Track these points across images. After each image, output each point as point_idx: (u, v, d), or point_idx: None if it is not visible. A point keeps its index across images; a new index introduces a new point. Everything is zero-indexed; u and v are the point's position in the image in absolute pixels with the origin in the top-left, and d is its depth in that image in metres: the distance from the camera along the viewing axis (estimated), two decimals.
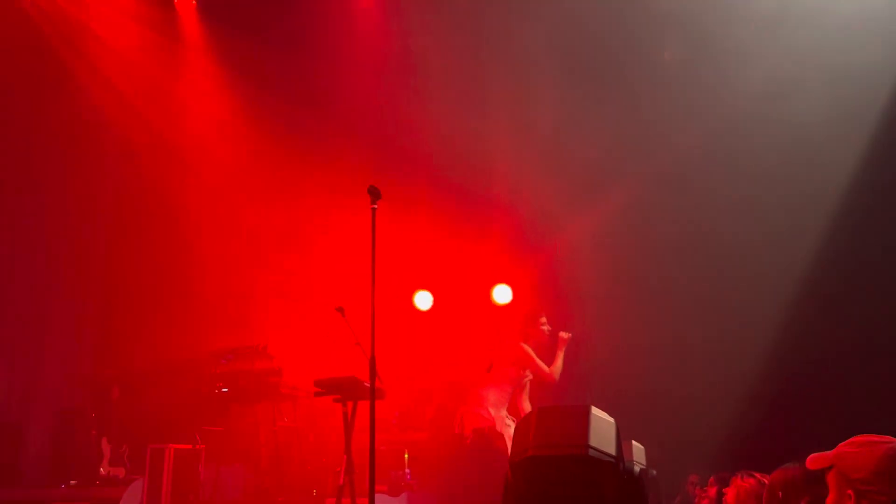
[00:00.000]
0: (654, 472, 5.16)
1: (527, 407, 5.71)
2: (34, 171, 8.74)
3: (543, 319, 5.73)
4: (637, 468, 2.81)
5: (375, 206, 4.44)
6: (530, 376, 5.67)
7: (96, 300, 8.94)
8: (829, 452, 2.33)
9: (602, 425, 2.70)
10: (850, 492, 2.21)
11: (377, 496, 4.23)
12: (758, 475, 3.65)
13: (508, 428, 5.27)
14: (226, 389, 6.49)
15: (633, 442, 4.17)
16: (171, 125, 8.66)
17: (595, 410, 2.75)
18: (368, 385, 4.40)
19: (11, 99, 8.34)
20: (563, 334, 5.70)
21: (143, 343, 8.02)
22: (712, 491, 5.25)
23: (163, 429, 6.73)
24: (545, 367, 5.50)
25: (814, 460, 2.37)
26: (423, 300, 8.41)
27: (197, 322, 7.82)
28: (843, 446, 2.31)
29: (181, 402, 6.95)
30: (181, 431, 6.50)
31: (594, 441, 2.62)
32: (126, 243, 8.70)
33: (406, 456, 6.85)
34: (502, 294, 8.27)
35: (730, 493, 4.19)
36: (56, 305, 8.74)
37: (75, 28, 8.44)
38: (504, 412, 5.46)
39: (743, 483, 3.70)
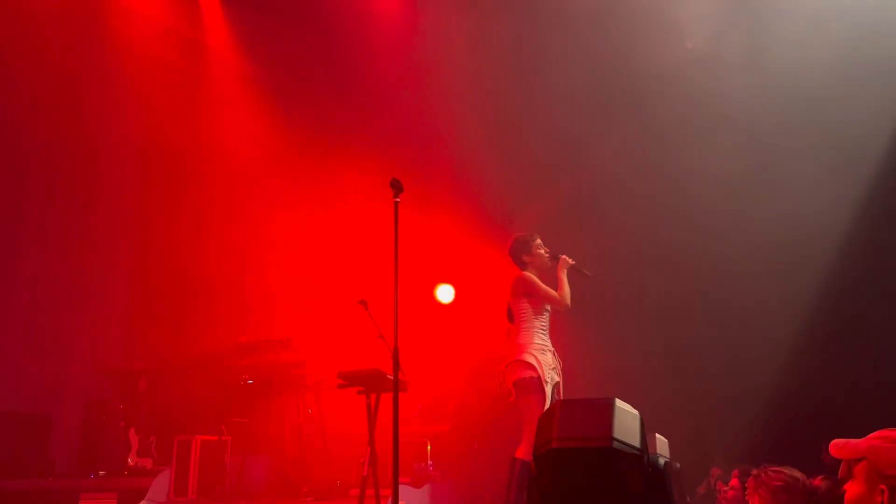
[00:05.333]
0: (679, 464, 5.15)
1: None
2: (61, 169, 8.88)
3: (538, 242, 5.32)
4: (662, 461, 2.79)
5: (398, 200, 4.45)
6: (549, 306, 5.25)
7: (124, 295, 9.08)
8: (857, 442, 2.31)
9: (626, 417, 2.68)
10: (882, 487, 2.20)
11: (400, 487, 4.26)
12: (786, 471, 3.62)
13: (547, 354, 5.02)
14: (251, 381, 6.57)
15: (657, 435, 4.16)
16: (195, 120, 8.74)
17: (619, 403, 2.73)
18: (391, 377, 4.43)
19: (40, 97, 8.48)
20: (565, 257, 5.32)
21: (170, 336, 8.13)
22: (734, 483, 5.23)
23: (189, 420, 6.81)
24: (552, 292, 5.10)
25: (840, 448, 2.34)
26: (446, 293, 8.43)
27: (222, 315, 7.91)
28: (874, 439, 2.28)
29: (207, 394, 7.03)
30: (207, 423, 6.58)
31: (618, 433, 2.61)
32: (152, 238, 8.80)
33: (429, 448, 6.88)
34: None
35: (752, 487, 4.16)
36: (84, 301, 8.89)
37: (99, 25, 8.55)
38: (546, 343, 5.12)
39: (766, 478, 3.67)
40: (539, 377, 4.85)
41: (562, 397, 5.01)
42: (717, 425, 6.89)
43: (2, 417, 7.56)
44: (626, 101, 7.59)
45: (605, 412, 2.68)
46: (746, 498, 4.74)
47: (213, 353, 7.15)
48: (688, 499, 6.14)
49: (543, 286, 5.12)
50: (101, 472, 6.87)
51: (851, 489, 2.30)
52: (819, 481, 3.86)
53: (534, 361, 4.89)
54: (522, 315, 5.09)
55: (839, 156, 6.91)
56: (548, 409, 2.77)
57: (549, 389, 4.89)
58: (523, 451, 4.78)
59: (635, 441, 2.65)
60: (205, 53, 8.94)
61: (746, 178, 7.21)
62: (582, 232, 7.19)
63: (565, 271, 5.25)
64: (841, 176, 6.92)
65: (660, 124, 7.49)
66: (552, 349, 5.11)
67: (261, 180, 8.54)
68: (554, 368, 5.02)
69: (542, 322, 5.14)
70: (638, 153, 7.57)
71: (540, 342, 5.04)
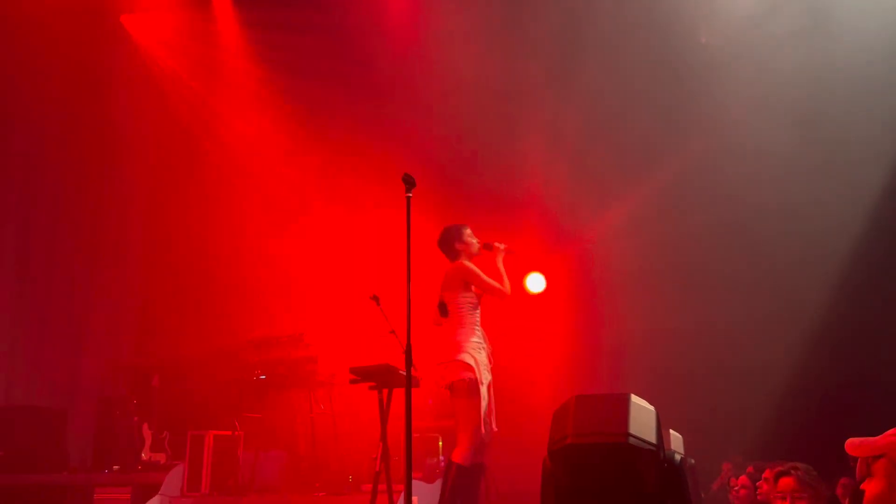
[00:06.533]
0: (693, 460, 5.12)
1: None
2: (74, 166, 8.94)
3: (468, 232, 5.16)
4: (677, 457, 2.78)
5: (410, 195, 4.43)
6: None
7: (136, 292, 9.14)
8: (874, 440, 2.29)
9: (642, 413, 2.67)
10: None
11: (413, 483, 4.26)
12: (800, 469, 3.58)
13: (482, 353, 4.88)
14: (263, 377, 6.58)
15: (671, 431, 4.13)
16: (207, 120, 8.77)
17: (635, 398, 2.72)
18: (403, 373, 4.42)
19: (54, 94, 8.54)
20: (498, 244, 5.15)
21: (183, 332, 8.17)
22: (745, 481, 5.19)
23: (202, 415, 6.84)
24: (494, 282, 4.93)
25: (856, 447, 2.32)
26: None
27: (235, 311, 7.94)
28: (892, 436, 2.26)
29: (220, 390, 7.05)
30: (220, 418, 6.60)
31: (634, 429, 2.59)
32: (165, 235, 8.85)
33: (440, 443, 6.87)
34: (535, 283, 8.23)
35: (764, 485, 4.13)
36: (98, 298, 8.96)
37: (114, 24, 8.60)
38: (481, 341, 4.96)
39: (780, 476, 3.63)
40: (476, 379, 4.76)
41: (491, 395, 4.92)
42: (731, 420, 6.84)
43: (18, 412, 7.64)
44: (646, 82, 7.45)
45: (621, 408, 2.67)
46: (759, 496, 4.71)
47: (225, 348, 7.17)
48: (702, 495, 6.11)
49: (484, 276, 4.96)
50: (115, 467, 6.92)
51: (871, 487, 2.28)
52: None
53: (472, 362, 4.79)
54: (459, 309, 4.91)
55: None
56: (563, 404, 2.74)
57: (484, 390, 4.81)
58: (459, 455, 4.71)
59: (651, 437, 2.64)
60: (217, 54, 8.95)
61: (789, 160, 7.08)
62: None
63: (501, 258, 5.11)
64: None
65: (680, 100, 7.32)
66: (486, 345, 4.99)
67: (274, 177, 8.55)
68: (487, 366, 4.92)
69: (477, 316, 4.99)
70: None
71: (477, 340, 4.92)
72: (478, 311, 5.02)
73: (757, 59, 7.22)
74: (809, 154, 6.92)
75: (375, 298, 5.28)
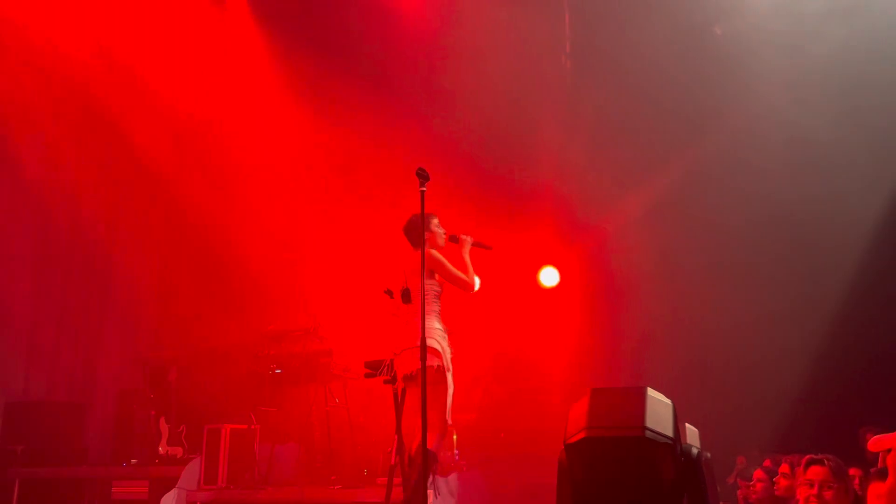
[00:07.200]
0: (709, 454, 5.09)
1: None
2: (91, 160, 9.00)
3: (436, 221, 5.09)
4: (694, 451, 2.76)
5: (424, 189, 4.43)
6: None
7: (153, 287, 9.22)
8: (891, 435, 2.28)
9: (659, 407, 2.65)
10: None
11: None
12: (832, 460, 3.54)
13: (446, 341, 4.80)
14: (279, 370, 6.62)
15: (687, 424, 4.11)
16: (226, 116, 8.81)
17: (651, 391, 2.70)
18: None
19: (69, 95, 8.60)
20: (464, 236, 5.08)
21: (199, 326, 8.22)
22: (760, 475, 5.13)
23: (219, 409, 6.89)
24: (459, 272, 4.86)
25: (876, 443, 2.32)
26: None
27: (250, 305, 7.98)
28: None
29: (236, 383, 7.10)
30: (236, 411, 6.65)
31: (650, 422, 2.57)
32: (181, 229, 8.91)
33: (455, 437, 6.88)
34: (549, 277, 8.22)
35: (783, 480, 4.10)
36: (115, 293, 9.04)
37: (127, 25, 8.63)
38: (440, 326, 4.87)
39: (811, 463, 3.59)
40: (444, 366, 4.71)
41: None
42: (748, 414, 6.79)
43: (37, 407, 7.74)
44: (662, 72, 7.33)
45: (637, 401, 2.65)
46: (777, 491, 4.65)
47: (241, 342, 7.22)
48: (717, 489, 6.08)
49: (450, 266, 4.90)
50: (132, 461, 6.99)
51: (887, 482, 2.27)
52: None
53: (439, 348, 4.71)
54: (426, 296, 4.70)
55: None
56: (579, 398, 2.73)
57: (451, 378, 4.77)
58: (432, 442, 4.57)
59: (668, 430, 2.62)
60: (234, 48, 8.98)
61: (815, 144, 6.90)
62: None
63: (468, 250, 5.06)
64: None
65: (698, 91, 7.17)
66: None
67: (290, 173, 8.57)
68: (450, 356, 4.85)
69: (440, 305, 4.92)
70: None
71: (441, 328, 4.85)
72: (439, 302, 4.95)
73: (789, 42, 6.94)
74: (836, 143, 6.72)
75: (389, 293, 5.28)
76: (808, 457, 3.65)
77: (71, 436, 7.57)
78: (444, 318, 4.96)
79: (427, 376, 4.40)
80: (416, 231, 4.96)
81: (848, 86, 6.67)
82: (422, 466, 4.44)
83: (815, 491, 3.47)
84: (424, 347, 4.24)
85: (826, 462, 3.51)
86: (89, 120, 8.84)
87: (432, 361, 4.66)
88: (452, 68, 7.99)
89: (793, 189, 6.97)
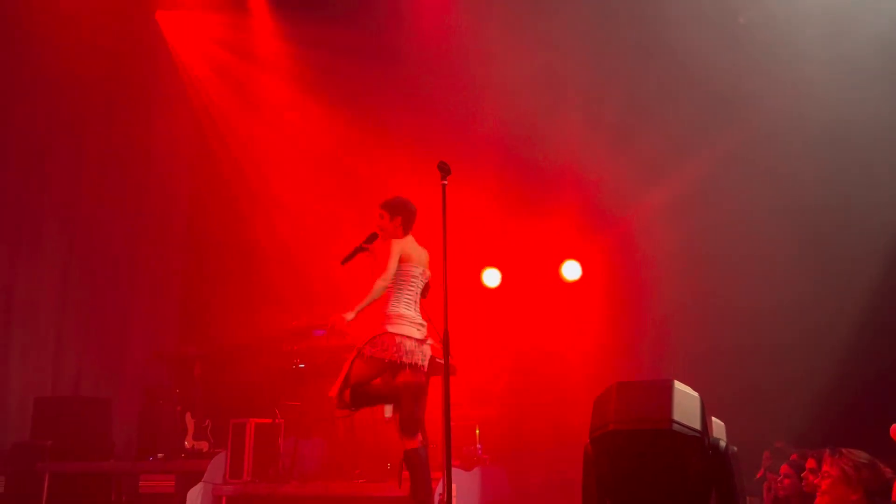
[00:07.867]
0: (735, 448, 5.03)
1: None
2: (115, 159, 9.10)
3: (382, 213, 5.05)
4: (722, 444, 2.73)
5: (445, 182, 4.42)
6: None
7: (178, 283, 9.31)
8: None
9: (686, 400, 2.63)
10: None
11: (451, 470, 4.27)
12: (855, 456, 3.49)
13: (423, 328, 4.74)
14: (302, 365, 6.65)
15: (713, 418, 4.07)
16: (247, 113, 8.86)
17: (678, 384, 2.67)
18: (440, 361, 4.42)
19: (94, 98, 8.71)
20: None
21: (224, 322, 8.28)
22: (787, 470, 5.06)
23: (243, 404, 6.93)
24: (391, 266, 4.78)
25: None
26: (492, 277, 8.38)
27: (275, 300, 8.02)
28: None
29: (261, 378, 7.14)
30: (261, 406, 6.69)
31: (678, 415, 2.55)
32: (205, 226, 8.97)
33: (477, 431, 6.88)
34: (571, 270, 8.17)
35: (810, 476, 4.03)
36: (140, 290, 9.15)
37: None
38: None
39: (833, 463, 3.54)
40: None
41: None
42: (776, 407, 6.67)
43: (65, 402, 7.85)
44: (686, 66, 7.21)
45: (664, 394, 2.63)
46: (805, 485, 4.58)
47: (265, 337, 7.25)
48: (744, 484, 6.01)
49: (391, 259, 4.83)
50: (159, 455, 7.06)
51: None
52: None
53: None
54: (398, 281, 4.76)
55: None
56: (605, 391, 2.71)
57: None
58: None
59: (696, 423, 2.59)
60: (252, 46, 9.02)
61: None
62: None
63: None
64: None
65: (720, 85, 7.04)
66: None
67: (313, 167, 8.59)
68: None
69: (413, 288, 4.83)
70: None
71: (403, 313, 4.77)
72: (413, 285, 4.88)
73: (828, 25, 6.70)
74: (871, 129, 6.54)
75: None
76: (827, 449, 3.62)
77: (98, 431, 7.67)
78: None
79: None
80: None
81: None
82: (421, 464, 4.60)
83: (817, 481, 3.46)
84: (447, 343, 4.24)
85: (834, 455, 3.48)
86: (113, 118, 8.94)
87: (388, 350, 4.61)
88: (475, 59, 7.94)
89: (823, 178, 6.80)
